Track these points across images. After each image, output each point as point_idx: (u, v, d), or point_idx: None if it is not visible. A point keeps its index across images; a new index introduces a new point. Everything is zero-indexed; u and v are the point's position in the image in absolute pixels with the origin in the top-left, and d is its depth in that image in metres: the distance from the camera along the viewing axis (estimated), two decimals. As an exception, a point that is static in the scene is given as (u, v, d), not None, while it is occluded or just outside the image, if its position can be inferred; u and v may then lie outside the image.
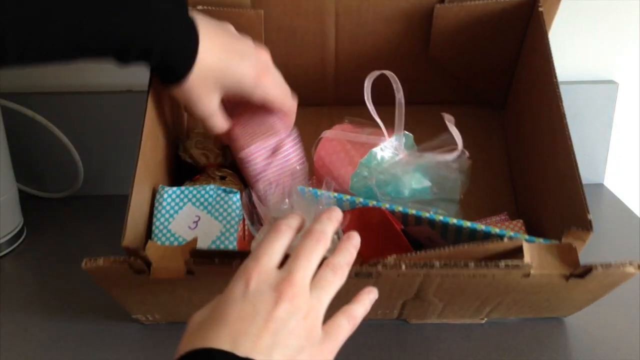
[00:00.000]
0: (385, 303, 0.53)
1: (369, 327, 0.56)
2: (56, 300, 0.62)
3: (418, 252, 0.45)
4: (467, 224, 0.50)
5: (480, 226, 0.49)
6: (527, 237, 0.48)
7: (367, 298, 0.41)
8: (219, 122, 0.56)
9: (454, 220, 0.50)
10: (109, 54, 0.45)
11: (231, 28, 0.54)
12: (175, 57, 0.47)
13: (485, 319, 0.57)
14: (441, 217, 0.50)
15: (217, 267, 0.45)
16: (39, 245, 0.73)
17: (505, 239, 0.45)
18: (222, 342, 0.33)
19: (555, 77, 0.56)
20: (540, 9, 0.61)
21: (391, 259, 0.45)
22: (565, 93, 0.55)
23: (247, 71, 0.52)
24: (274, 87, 0.55)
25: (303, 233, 0.41)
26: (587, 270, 0.45)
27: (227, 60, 0.50)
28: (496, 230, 0.49)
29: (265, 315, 0.34)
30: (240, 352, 0.32)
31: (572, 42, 0.78)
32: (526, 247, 0.45)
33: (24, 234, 0.74)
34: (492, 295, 0.51)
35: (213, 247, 0.53)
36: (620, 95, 0.80)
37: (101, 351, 0.56)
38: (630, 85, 0.81)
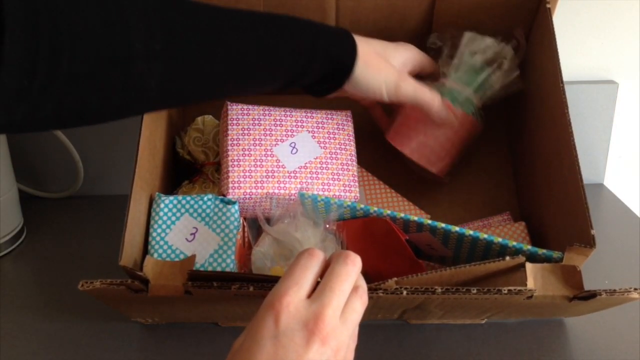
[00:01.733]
0: (386, 311, 0.53)
1: (369, 327, 0.56)
2: (56, 300, 0.62)
3: (419, 275, 0.44)
4: (469, 232, 0.49)
5: (483, 235, 0.49)
6: (530, 247, 0.48)
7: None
8: (407, 93, 0.58)
9: (456, 228, 0.50)
10: (293, 70, 0.50)
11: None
12: (342, 55, 0.53)
13: (486, 319, 0.57)
14: (443, 225, 0.50)
15: (215, 290, 0.44)
16: (39, 245, 0.73)
17: (507, 258, 0.44)
18: None
19: (562, 82, 0.55)
20: (548, 5, 0.60)
21: (392, 282, 0.44)
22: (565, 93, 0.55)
23: (404, 50, 0.59)
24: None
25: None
26: (591, 295, 0.44)
27: (382, 45, 0.57)
28: (499, 239, 0.49)
29: (295, 359, 0.33)
30: None
31: (572, 42, 0.78)
32: (529, 269, 0.44)
33: (24, 234, 0.74)
34: (494, 308, 0.51)
35: (211, 260, 0.52)
36: (620, 95, 0.80)
37: (101, 351, 0.56)
38: (630, 85, 0.81)
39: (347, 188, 0.58)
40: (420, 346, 0.55)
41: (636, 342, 0.55)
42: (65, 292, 0.63)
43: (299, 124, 0.60)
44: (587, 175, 0.81)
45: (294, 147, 0.59)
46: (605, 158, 0.82)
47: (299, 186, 0.57)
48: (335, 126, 0.61)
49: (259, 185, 0.56)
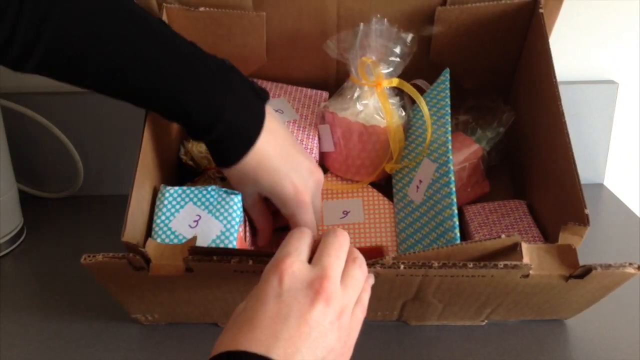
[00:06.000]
0: (385, 304, 0.53)
1: (369, 328, 0.56)
2: (56, 300, 0.62)
3: (415, 252, 0.45)
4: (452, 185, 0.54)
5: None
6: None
7: (368, 284, 0.42)
8: (255, 214, 0.55)
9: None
10: (176, 119, 0.49)
11: (294, 139, 0.53)
12: (234, 138, 0.48)
13: (486, 320, 0.57)
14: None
15: (215, 264, 0.45)
16: (39, 245, 0.73)
17: (503, 236, 0.44)
18: (252, 345, 0.33)
19: (555, 78, 0.56)
20: (541, 10, 0.60)
21: (389, 258, 0.45)
22: (565, 93, 0.55)
23: (289, 186, 0.50)
24: (305, 213, 0.51)
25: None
26: (587, 271, 0.45)
27: (278, 163, 0.49)
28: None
29: (299, 318, 0.34)
30: (272, 355, 0.32)
31: (572, 42, 0.78)
32: (525, 247, 0.45)
33: (24, 234, 0.74)
34: (492, 296, 0.51)
35: (213, 245, 0.53)
36: (620, 95, 0.80)
37: (101, 351, 0.56)
38: (630, 85, 0.81)
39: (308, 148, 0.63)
40: (420, 346, 0.55)
41: (636, 342, 0.55)
42: (65, 292, 0.63)
43: (279, 91, 0.68)
44: (587, 175, 0.82)
45: (277, 110, 0.64)
46: (605, 158, 0.82)
47: None
48: (311, 101, 0.68)
49: None
